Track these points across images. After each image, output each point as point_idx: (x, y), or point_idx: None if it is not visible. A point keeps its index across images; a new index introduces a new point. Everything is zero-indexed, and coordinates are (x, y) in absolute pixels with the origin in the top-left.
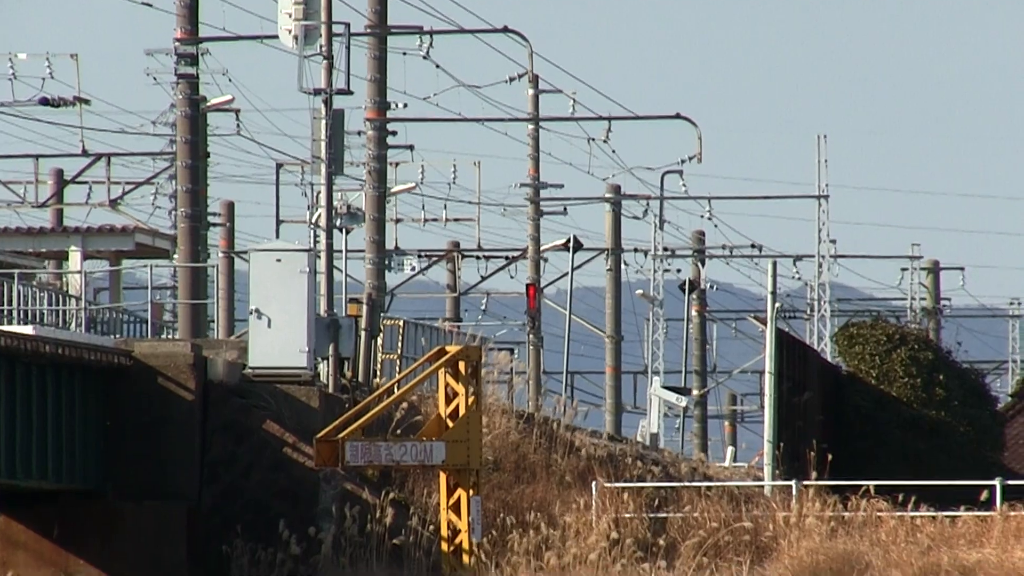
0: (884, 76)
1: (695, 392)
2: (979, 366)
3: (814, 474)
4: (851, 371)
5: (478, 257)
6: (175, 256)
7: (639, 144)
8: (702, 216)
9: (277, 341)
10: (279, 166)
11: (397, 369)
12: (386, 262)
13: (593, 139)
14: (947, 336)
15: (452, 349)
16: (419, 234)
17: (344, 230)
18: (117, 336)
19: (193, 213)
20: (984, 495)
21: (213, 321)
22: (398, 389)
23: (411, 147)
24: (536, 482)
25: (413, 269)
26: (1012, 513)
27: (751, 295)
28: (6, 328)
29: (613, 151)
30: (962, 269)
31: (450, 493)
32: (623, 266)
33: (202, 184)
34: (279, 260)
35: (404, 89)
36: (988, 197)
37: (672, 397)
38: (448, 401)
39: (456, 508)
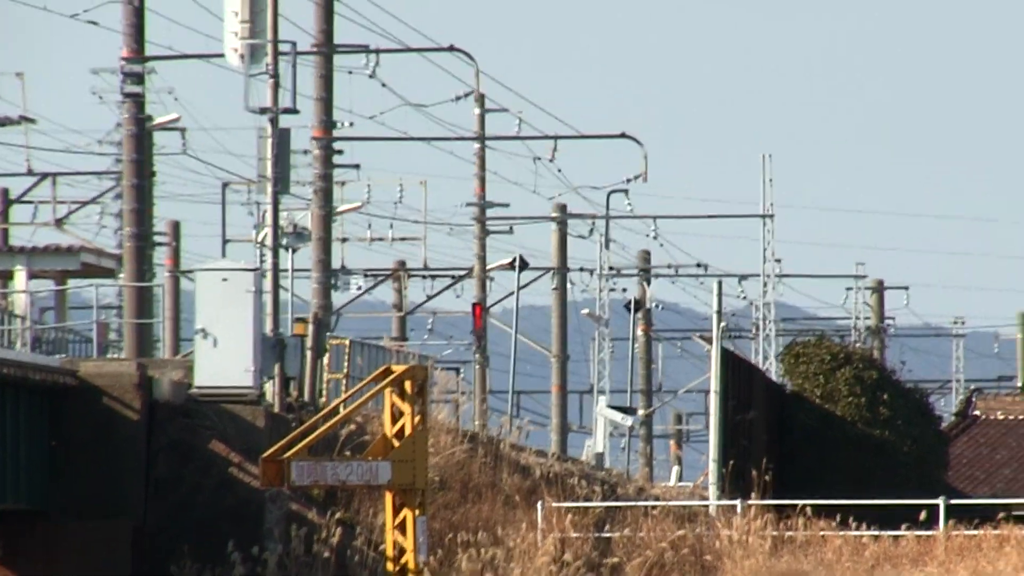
0: (828, 95)
1: (641, 411)
2: (923, 385)
3: (758, 494)
4: (796, 390)
5: (424, 276)
6: (121, 275)
7: (585, 163)
8: (648, 235)
9: (223, 360)
10: (225, 185)
11: (343, 389)
12: (332, 281)
13: (539, 158)
14: (891, 355)
15: (398, 369)
16: (365, 253)
17: (290, 249)
18: (63, 355)
19: (139, 232)
20: (923, 515)
21: (159, 340)
22: (344, 409)
23: (357, 166)
24: (482, 502)
25: (359, 288)
26: (955, 532)
27: (697, 314)
28: None
29: (559, 170)
30: (906, 288)
31: (396, 513)
32: (569, 285)
33: (148, 203)
34: (225, 279)
35: (350, 108)
36: (932, 217)
37: (618, 416)
38: (394, 421)
39: (402, 528)
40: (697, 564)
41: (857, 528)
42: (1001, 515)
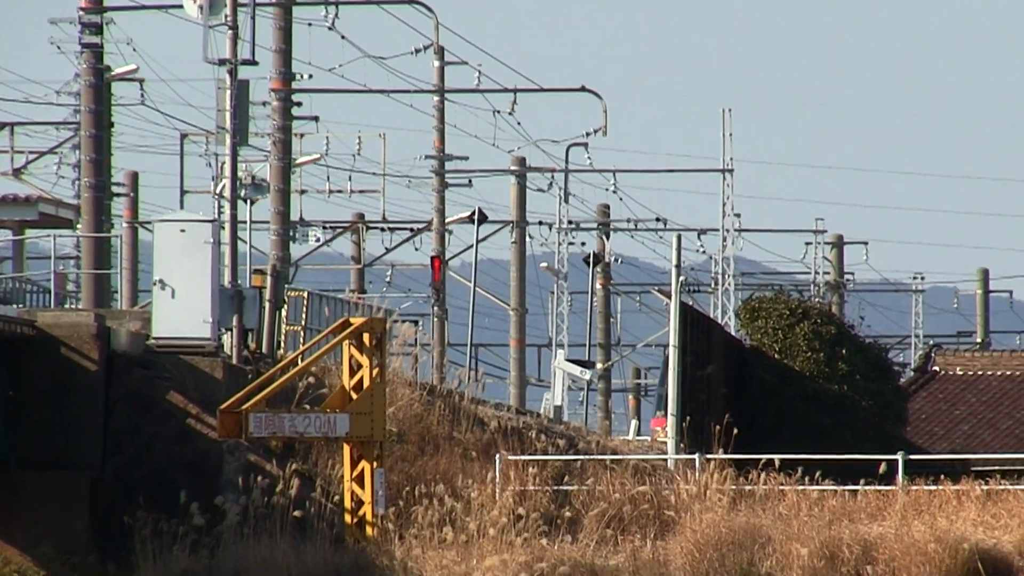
0: (789, 50)
1: (599, 365)
2: (882, 340)
3: (720, 450)
4: (755, 345)
5: (383, 229)
6: (79, 226)
7: (544, 116)
8: (607, 189)
9: (181, 312)
10: (183, 136)
11: (301, 341)
12: (290, 233)
13: (498, 111)
14: (850, 310)
15: (356, 321)
16: (324, 205)
17: (248, 201)
18: (20, 306)
19: (97, 183)
20: (882, 468)
21: (117, 291)
22: (302, 361)
23: (316, 118)
24: (440, 454)
25: (317, 240)
26: (913, 487)
27: (655, 268)
28: None
29: (518, 123)
30: (865, 243)
31: (354, 465)
32: (528, 239)
33: (106, 154)
34: (183, 231)
35: (309, 60)
36: (892, 172)
37: (576, 370)
38: (352, 373)
39: (360, 480)
40: (656, 518)
41: (815, 483)
42: (968, 470)
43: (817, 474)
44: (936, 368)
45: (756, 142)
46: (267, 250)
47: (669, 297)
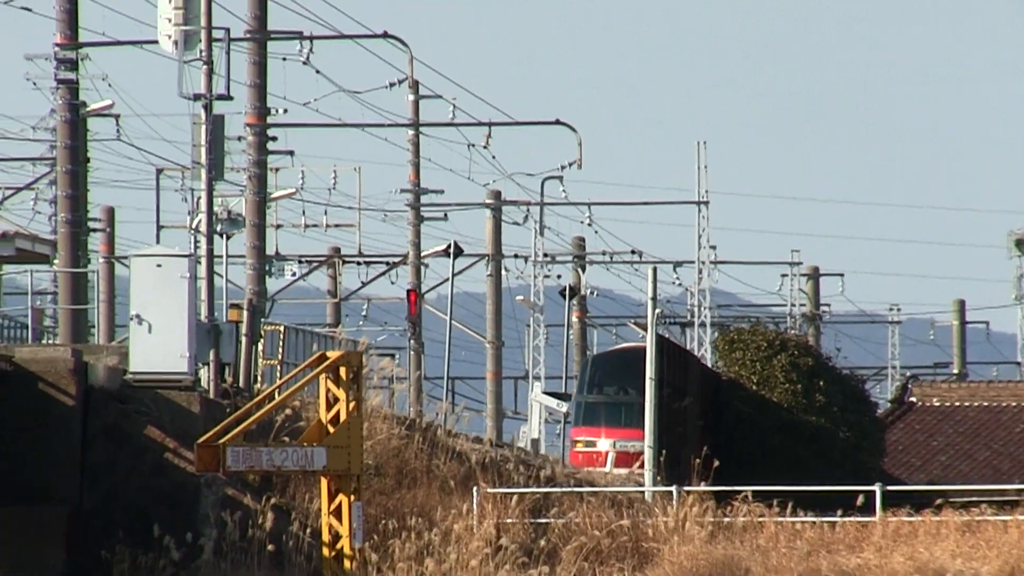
0: (764, 82)
1: None
2: (859, 372)
3: (702, 483)
4: (732, 377)
5: (359, 263)
6: (55, 261)
7: (519, 150)
8: (582, 222)
9: (158, 346)
10: (159, 171)
11: (278, 375)
12: (267, 268)
13: (473, 145)
14: (827, 342)
15: (333, 355)
16: (299, 240)
17: (224, 235)
18: None
19: (73, 218)
20: (860, 500)
21: (94, 327)
22: (279, 395)
23: (291, 152)
24: (418, 487)
25: (294, 275)
26: (892, 518)
27: (631, 301)
28: None
29: (493, 157)
30: (841, 275)
31: (331, 498)
32: (504, 272)
33: (82, 189)
34: (159, 265)
35: (284, 94)
36: (867, 204)
37: (553, 403)
38: (329, 407)
39: (337, 513)
40: (634, 550)
41: (792, 514)
42: (939, 501)
43: (790, 504)
44: (913, 399)
45: (731, 174)
46: (243, 284)
47: (645, 329)
